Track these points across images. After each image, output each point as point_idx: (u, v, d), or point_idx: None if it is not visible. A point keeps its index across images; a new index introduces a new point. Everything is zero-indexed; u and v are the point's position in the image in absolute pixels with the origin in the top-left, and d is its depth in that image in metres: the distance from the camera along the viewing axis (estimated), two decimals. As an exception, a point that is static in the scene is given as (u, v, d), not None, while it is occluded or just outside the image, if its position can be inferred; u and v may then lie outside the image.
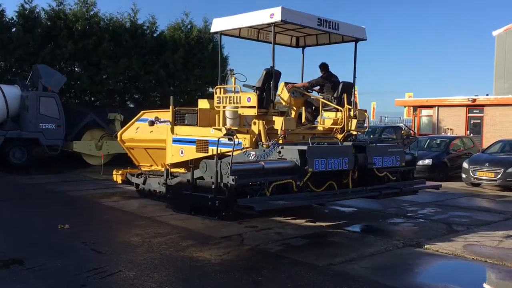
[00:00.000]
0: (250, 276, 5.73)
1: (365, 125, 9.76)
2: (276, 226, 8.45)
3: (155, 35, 22.43)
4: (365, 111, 10.02)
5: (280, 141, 8.37)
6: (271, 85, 8.67)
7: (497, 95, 28.41)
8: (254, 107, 8.43)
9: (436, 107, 28.12)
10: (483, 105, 26.90)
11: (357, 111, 9.59)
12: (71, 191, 11.95)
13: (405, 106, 30.69)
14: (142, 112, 11.78)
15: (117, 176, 11.72)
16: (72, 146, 17.55)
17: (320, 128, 9.89)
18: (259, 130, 8.54)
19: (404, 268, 6.32)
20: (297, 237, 7.76)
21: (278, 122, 8.48)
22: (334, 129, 9.66)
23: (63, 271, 5.81)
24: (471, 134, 26.81)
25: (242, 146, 8.51)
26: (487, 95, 28.78)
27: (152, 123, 10.06)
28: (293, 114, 10.19)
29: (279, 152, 7.86)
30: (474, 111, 27.29)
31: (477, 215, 9.92)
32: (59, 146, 17.08)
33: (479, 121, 27.06)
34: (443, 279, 6.02)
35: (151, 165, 11.51)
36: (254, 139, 8.58)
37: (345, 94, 9.58)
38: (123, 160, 16.19)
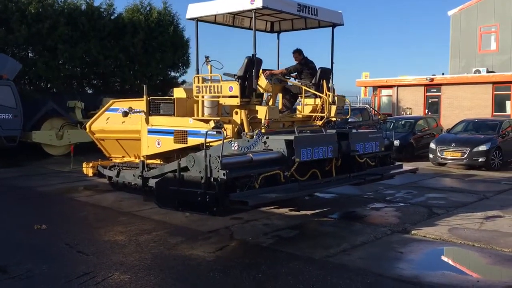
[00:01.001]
0: (250, 274, 5.61)
1: (345, 110, 9.72)
2: (262, 217, 8.35)
3: (113, 17, 21.54)
4: (344, 97, 9.98)
5: (263, 130, 8.21)
6: (253, 74, 8.45)
7: (453, 74, 29.18)
8: (236, 96, 8.20)
9: (396, 87, 28.61)
10: (440, 84, 27.59)
11: (336, 97, 9.54)
12: (38, 187, 11.41)
13: (365, 87, 31.08)
14: (111, 101, 11.33)
15: (87, 169, 11.27)
16: (31, 136, 16.72)
17: (299, 115, 9.79)
18: (241, 120, 8.34)
19: (398, 256, 6.36)
20: (286, 228, 7.69)
21: (262, 111, 8.30)
22: (313, 116, 9.57)
23: (52, 278, 5.50)
24: (429, 113, 27.55)
25: (224, 137, 8.28)
26: (443, 74, 29.54)
27: (126, 114, 9.64)
28: (271, 101, 10.05)
29: (265, 143, 7.70)
30: (432, 90, 27.96)
31: (452, 197, 10.17)
32: (17, 137, 16.21)
33: (436, 100, 27.78)
34: (438, 266, 6.12)
35: (123, 157, 11.11)
36: (236, 129, 8.38)
37: (324, 80, 9.50)
38: (85, 149, 15.70)
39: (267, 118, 8.20)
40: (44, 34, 18.59)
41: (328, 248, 6.57)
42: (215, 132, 7.77)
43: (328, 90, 9.44)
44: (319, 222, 8.23)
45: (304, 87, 9.36)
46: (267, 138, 7.69)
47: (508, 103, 25.99)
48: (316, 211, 8.91)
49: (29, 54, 19.63)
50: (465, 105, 26.59)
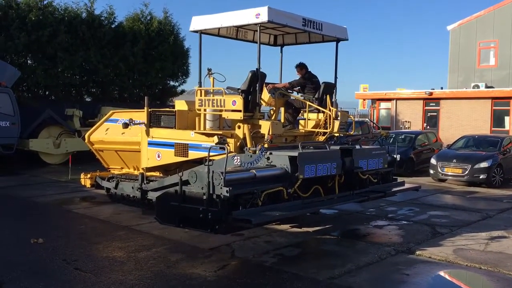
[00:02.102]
0: (254, 295, 5.45)
1: (348, 127, 9.61)
2: (263, 233, 8.20)
3: (113, 26, 21.46)
4: (347, 112, 9.88)
5: (266, 145, 8.08)
6: (257, 88, 8.34)
7: (452, 88, 29.20)
8: (240, 110, 8.08)
9: (394, 100, 28.61)
10: (439, 99, 27.59)
11: (339, 113, 9.44)
12: (35, 197, 11.22)
13: (364, 99, 31.06)
14: (111, 111, 11.19)
15: (85, 180, 11.09)
16: (28, 144, 16.55)
17: (302, 130, 9.67)
18: (244, 134, 8.22)
19: (405, 279, 6.21)
20: (288, 246, 7.54)
21: (265, 126, 8.18)
22: (316, 131, 9.46)
23: (49, 298, 5.32)
24: (428, 127, 27.52)
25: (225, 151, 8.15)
26: (442, 88, 29.56)
27: (126, 125, 9.51)
28: (273, 115, 9.94)
29: (268, 158, 7.56)
30: (431, 104, 27.96)
31: (455, 215, 10.04)
32: (14, 145, 16.03)
33: (435, 114, 27.76)
34: (446, 290, 5.98)
35: (122, 168, 10.96)
36: (238, 143, 8.26)
37: (327, 95, 9.40)
38: (83, 158, 15.54)
39: (270, 133, 8.07)
40: (44, 42, 18.49)
41: (332, 269, 6.42)
42: (217, 148, 7.63)
43: (332, 105, 9.35)
44: (321, 240, 8.07)
45: (307, 102, 9.25)
46: (271, 154, 7.55)
47: (507, 118, 26.00)
48: (318, 228, 8.76)
49: (28, 61, 19.48)
50: (463, 119, 26.59)
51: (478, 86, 27.90)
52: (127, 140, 10.16)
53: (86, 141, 11.20)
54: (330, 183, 8.50)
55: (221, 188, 6.44)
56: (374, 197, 8.81)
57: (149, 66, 21.86)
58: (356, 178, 8.77)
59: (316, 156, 7.72)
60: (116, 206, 10.10)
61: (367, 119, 25.39)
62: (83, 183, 11.13)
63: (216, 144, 7.58)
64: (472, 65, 30.35)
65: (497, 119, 26.11)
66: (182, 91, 24.98)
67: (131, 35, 21.37)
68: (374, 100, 29.59)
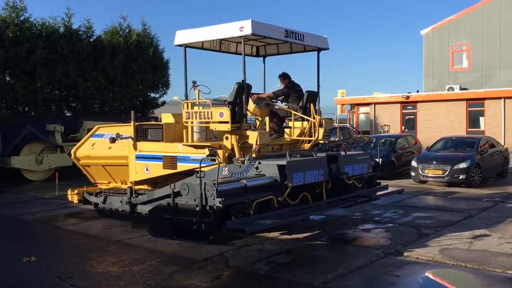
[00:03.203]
0: (251, 303, 5.58)
1: (332, 134, 9.82)
2: (255, 242, 8.33)
3: (91, 40, 21.41)
4: (331, 119, 10.11)
5: (254, 155, 8.23)
6: (243, 99, 8.51)
7: (427, 92, 29.89)
8: (227, 122, 8.23)
9: (373, 105, 29.14)
10: (416, 102, 28.22)
11: (323, 120, 9.66)
12: (21, 215, 11.15)
13: (343, 104, 31.52)
14: (96, 127, 11.21)
15: (72, 196, 11.05)
16: (9, 162, 16.37)
17: (287, 138, 9.86)
18: (232, 145, 8.36)
19: (395, 280, 6.42)
20: (280, 254, 7.69)
21: (253, 137, 8.34)
22: (301, 139, 9.66)
23: (49, 315, 5.36)
24: (406, 130, 28.09)
25: (214, 162, 8.28)
26: (418, 91, 30.23)
27: (113, 140, 9.57)
28: (258, 125, 10.11)
29: (257, 168, 7.72)
30: (408, 107, 28.58)
31: (439, 216, 10.34)
32: (-5, 162, 15.89)
33: (412, 116, 28.37)
34: (435, 289, 6.20)
35: (109, 182, 10.97)
36: (227, 154, 8.39)
37: (311, 104, 9.62)
38: (66, 174, 15.44)
39: (258, 143, 8.24)
40: (22, 58, 18.33)
41: (325, 273, 6.59)
42: (208, 159, 7.76)
43: (316, 113, 9.57)
44: (312, 245, 8.25)
45: (292, 111, 9.45)
46: (259, 163, 7.71)
47: (481, 119, 26.73)
48: (308, 234, 8.93)
49: (7, 78, 19.28)
50: (440, 121, 27.25)
51: (452, 88, 28.64)
52: (114, 154, 10.20)
53: (72, 157, 11.18)
54: (318, 190, 8.70)
55: (213, 199, 6.57)
56: (360, 202, 9.04)
57: (129, 79, 21.84)
58: (342, 184, 9.00)
59: (303, 164, 7.91)
60: (105, 221, 10.11)
61: (347, 124, 25.78)
62: (70, 199, 11.09)
63: (207, 156, 7.69)
64: (446, 68, 31.14)
65: (473, 120, 26.85)
66: (163, 103, 25.01)
67: (110, 48, 21.35)
68: (353, 105, 30.09)
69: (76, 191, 11.01)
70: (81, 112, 21.35)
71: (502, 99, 25.55)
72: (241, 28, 8.22)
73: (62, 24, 20.51)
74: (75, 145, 11.57)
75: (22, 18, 19.25)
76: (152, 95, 24.12)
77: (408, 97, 28.01)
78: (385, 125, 28.46)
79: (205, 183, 6.64)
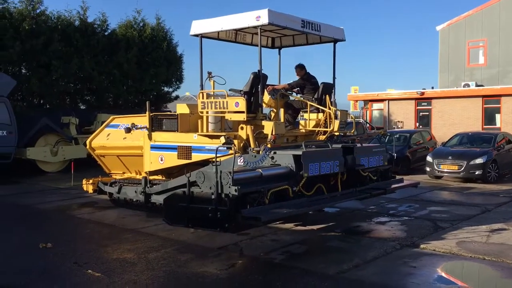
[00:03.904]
0: (267, 291, 5.56)
1: (349, 126, 9.75)
2: (269, 232, 8.31)
3: (106, 33, 21.52)
4: (347, 111, 10.04)
5: (269, 146, 8.20)
6: (259, 89, 8.47)
7: (442, 88, 29.54)
8: (243, 112, 8.20)
9: (387, 101, 28.88)
10: (431, 98, 27.90)
11: (339, 112, 9.59)
12: (37, 204, 11.23)
13: (357, 101, 31.29)
14: (111, 117, 11.25)
15: (87, 186, 11.12)
16: (25, 153, 16.51)
17: (302, 130, 9.81)
18: (247, 135, 8.34)
19: (412, 271, 6.35)
20: (294, 244, 7.65)
21: (268, 127, 8.30)
22: (316, 131, 9.61)
23: (66, 299, 5.39)
24: (420, 126, 27.80)
25: (229, 152, 8.27)
26: (432, 88, 29.88)
27: (128, 130, 9.60)
28: (273, 116, 10.07)
29: (272, 158, 7.69)
30: (423, 104, 28.26)
31: (455, 210, 10.22)
32: (11, 154, 16.00)
33: (427, 113, 28.06)
34: (454, 280, 6.11)
35: (124, 173, 11.02)
36: (242, 144, 8.37)
37: (327, 95, 9.55)
38: (80, 165, 15.52)
39: (273, 133, 8.20)
40: (38, 50, 18.49)
41: (340, 264, 6.54)
42: (224, 148, 7.75)
43: (331, 105, 9.50)
44: (326, 237, 8.20)
45: (308, 102, 9.39)
46: (275, 153, 7.68)
47: (498, 116, 26.35)
48: (322, 225, 8.89)
49: (23, 70, 19.46)
50: (455, 118, 26.90)
51: (468, 85, 28.26)
52: (129, 144, 10.24)
53: (88, 147, 11.25)
54: (333, 181, 8.65)
55: (229, 187, 6.55)
56: (376, 194, 8.97)
57: (143, 73, 21.93)
58: (357, 176, 8.93)
59: (319, 155, 7.87)
60: (120, 211, 10.16)
61: (362, 119, 25.61)
62: (85, 189, 11.16)
63: (223, 144, 7.68)
64: (462, 65, 30.76)
65: (489, 117, 26.45)
66: (177, 97, 25.07)
67: (124, 42, 21.45)
68: (367, 101, 29.85)
69: (91, 181, 11.07)
70: (95, 105, 21.49)
71: (519, 96, 25.16)
72: (257, 17, 8.18)
73: (77, 18, 20.66)
74: (89, 137, 11.62)
75: (38, 11, 19.43)
76: (166, 89, 24.21)
77: (423, 93, 27.70)
78: (399, 121, 28.18)
79: (221, 171, 6.63)
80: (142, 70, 21.91)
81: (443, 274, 6.38)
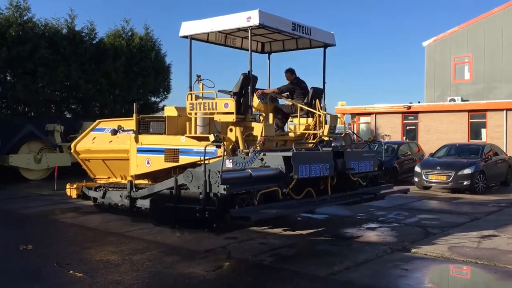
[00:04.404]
0: (256, 291, 5.37)
1: (337, 131, 9.68)
2: (257, 236, 8.13)
3: (94, 42, 21.36)
4: (337, 116, 9.97)
5: (258, 148, 8.07)
6: (249, 91, 8.36)
7: (429, 103, 29.76)
8: (232, 113, 8.07)
9: (374, 115, 29.01)
10: (418, 112, 28.08)
11: (329, 116, 9.50)
12: (20, 209, 10.92)
13: (344, 114, 31.36)
14: (97, 121, 11.08)
15: (71, 190, 10.86)
16: (8, 160, 16.16)
17: (291, 134, 9.71)
18: (236, 137, 8.19)
19: (404, 273, 6.21)
20: (284, 247, 7.48)
21: (258, 129, 8.18)
22: (306, 135, 9.51)
23: (46, 298, 5.15)
24: (407, 140, 27.90)
25: (218, 154, 8.12)
26: (419, 102, 30.10)
27: (115, 132, 9.41)
28: (262, 120, 9.95)
29: (262, 159, 7.55)
30: (409, 117, 28.42)
31: (444, 217, 10.13)
32: (-7, 160, 15.68)
33: (414, 127, 28.21)
34: (447, 283, 5.99)
35: (109, 178, 10.79)
36: (231, 146, 8.22)
37: (317, 100, 9.47)
38: (64, 173, 15.22)
39: (263, 135, 8.07)
40: (25, 57, 18.23)
41: (331, 266, 6.38)
42: (212, 150, 7.60)
43: (321, 109, 9.42)
44: (316, 241, 8.05)
45: (298, 104, 9.29)
46: (264, 155, 7.56)
47: (483, 131, 26.57)
48: (311, 230, 8.73)
49: (8, 77, 19.16)
50: (442, 132, 27.06)
51: (454, 100, 28.51)
52: (115, 148, 10.03)
53: (72, 150, 11.03)
54: (322, 186, 8.53)
55: (218, 186, 6.40)
56: (367, 199, 8.85)
57: (131, 82, 21.73)
58: (347, 181, 8.82)
59: (309, 157, 7.75)
60: (104, 215, 9.90)
61: (349, 130, 25.63)
62: (68, 194, 10.89)
63: (212, 142, 7.52)
64: (448, 80, 31.07)
65: (474, 132, 26.67)
66: (164, 107, 24.86)
67: (112, 51, 21.28)
68: (354, 115, 29.94)
69: (75, 186, 10.82)
70: (81, 114, 21.20)
71: (504, 111, 25.39)
72: (248, 18, 8.11)
73: (65, 25, 20.48)
74: (75, 145, 11.37)
75: (25, 18, 19.21)
76: (153, 99, 24.04)
77: (409, 107, 27.88)
78: (386, 135, 28.27)
79: (209, 170, 6.48)
80: (130, 79, 21.73)
81: (436, 277, 6.25)
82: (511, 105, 25.44)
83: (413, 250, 7.31)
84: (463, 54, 30.39)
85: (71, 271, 6.08)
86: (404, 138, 27.96)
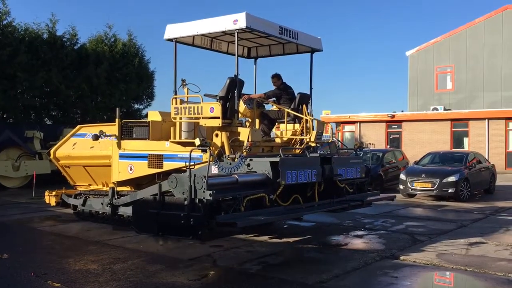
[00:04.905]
0: (243, 300, 5.16)
1: (324, 137, 9.55)
2: (243, 244, 7.92)
3: (76, 47, 21.05)
4: (323, 122, 9.84)
5: (245, 153, 7.88)
6: (235, 95, 8.18)
7: (412, 112, 29.97)
8: (218, 117, 7.88)
9: (358, 123, 29.10)
10: (401, 121, 28.25)
11: (316, 122, 9.37)
12: (-5, 217, 10.54)
13: (328, 123, 31.39)
14: (78, 126, 10.78)
15: (50, 198, 10.52)
16: (-16, 167, 15.71)
17: (278, 140, 9.55)
18: (222, 142, 7.99)
19: (394, 281, 6.06)
20: (271, 255, 7.28)
21: (244, 134, 8.00)
22: (293, 141, 9.35)
23: (20, 310, 4.87)
24: (391, 148, 28.01)
25: (203, 160, 7.91)
26: (402, 111, 30.31)
27: (96, 137, 9.14)
28: (248, 126, 9.77)
29: (248, 165, 7.36)
30: (393, 126, 28.59)
31: (431, 225, 10.05)
32: (-30, 167, 15.21)
33: (397, 136, 28.36)
34: (437, 290, 5.86)
35: (90, 185, 10.47)
36: (216, 152, 8.01)
37: (303, 105, 9.34)
38: (44, 181, 14.83)
39: (250, 140, 7.89)
40: (3, 62, 17.84)
41: (320, 274, 6.20)
42: (197, 155, 7.38)
43: (308, 115, 9.28)
44: (303, 248, 7.87)
45: (286, 110, 9.14)
46: (251, 160, 7.36)
47: (466, 139, 26.82)
48: (298, 238, 8.55)
49: (-15, 82, 18.72)
50: (425, 141, 27.26)
51: (437, 109, 28.78)
52: (96, 154, 9.74)
53: (52, 156, 10.68)
54: (309, 193, 8.37)
55: (203, 191, 6.19)
56: (354, 205, 8.72)
57: (113, 88, 21.45)
58: (334, 187, 8.67)
59: (297, 163, 7.59)
60: (85, 224, 9.60)
61: (334, 138, 25.60)
62: (47, 201, 10.55)
63: (198, 146, 7.30)
64: (431, 89, 31.37)
65: (457, 140, 26.92)
66: (147, 115, 24.56)
67: (94, 56, 21.00)
68: (338, 123, 29.99)
69: (54, 193, 10.49)
70: (62, 120, 20.82)
71: (486, 120, 25.71)
72: (235, 21, 7.95)
73: (46, 30, 20.19)
74: (55, 151, 11.05)
75: (5, 22, 18.89)
76: (136, 106, 23.75)
77: (393, 116, 28.05)
78: (370, 143, 28.33)
79: (195, 175, 6.27)
80: (112, 85, 21.45)
81: (427, 284, 6.12)
82: (492, 114, 25.79)
83: (401, 258, 7.18)
84: (446, 64, 30.74)
85: (48, 281, 5.80)
86: (388, 146, 28.08)
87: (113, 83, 21.43)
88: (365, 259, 7.03)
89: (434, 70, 31.13)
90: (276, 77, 9.58)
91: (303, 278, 6.00)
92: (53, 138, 17.98)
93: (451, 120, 26.88)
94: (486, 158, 24.00)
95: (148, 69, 23.43)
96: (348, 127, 29.76)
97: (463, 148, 26.20)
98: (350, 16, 68.13)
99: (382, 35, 65.08)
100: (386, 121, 28.42)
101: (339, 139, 28.96)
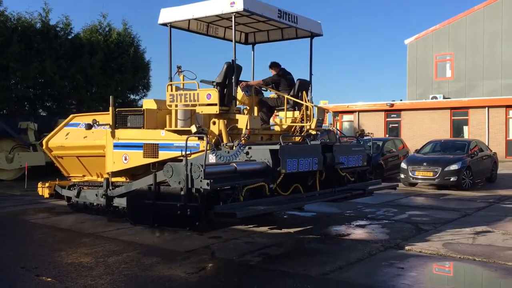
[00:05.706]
0: (243, 294, 4.91)
1: (320, 136, 9.25)
2: (242, 235, 7.65)
3: (70, 37, 20.62)
4: (324, 109, 9.55)
5: (243, 141, 7.59)
6: (233, 81, 7.88)
7: (411, 100, 29.69)
8: (215, 104, 7.59)
9: (357, 113, 28.82)
10: (400, 110, 27.98)
11: (316, 109, 9.09)
12: (-14, 210, 10.26)
13: (326, 112, 31.11)
14: (71, 116, 10.47)
15: (43, 190, 10.25)
16: (-23, 159, 15.39)
17: (277, 128, 9.26)
18: (220, 130, 7.71)
19: (400, 272, 5.80)
20: (271, 246, 7.02)
21: (243, 121, 7.71)
22: (293, 129, 9.08)
23: (8, 306, 4.60)
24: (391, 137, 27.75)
25: (200, 149, 7.63)
26: (401, 100, 30.03)
27: (89, 127, 8.83)
28: (245, 113, 9.48)
29: (247, 153, 7.08)
30: (392, 115, 28.32)
31: (434, 214, 9.80)
32: (-38, 159, 14.89)
33: (397, 125, 28.10)
34: (446, 281, 5.61)
35: (84, 176, 10.18)
36: (214, 140, 7.72)
37: (303, 92, 9.05)
38: (38, 173, 14.52)
39: (248, 128, 7.61)
40: (-5, 52, 17.45)
41: (322, 265, 5.95)
42: (194, 144, 7.10)
43: (308, 102, 9.00)
44: (305, 239, 7.61)
45: (285, 96, 8.85)
46: (250, 148, 7.08)
47: (465, 128, 26.58)
48: (299, 228, 8.29)
49: (-24, 73, 18.34)
50: (424, 130, 27.00)
51: (436, 98, 28.52)
52: (90, 144, 9.45)
53: (44, 147, 10.38)
54: (310, 182, 8.10)
55: (200, 181, 5.92)
56: (356, 194, 8.47)
57: (109, 78, 21.05)
58: (336, 176, 8.42)
59: (297, 151, 7.32)
60: (78, 216, 9.33)
61: (333, 127, 25.36)
62: (40, 193, 10.27)
63: (194, 133, 7.01)
64: (430, 78, 31.06)
65: (457, 129, 26.67)
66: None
67: (88, 46, 20.58)
68: (337, 113, 29.71)
69: (47, 184, 10.24)
70: (56, 111, 20.42)
71: (486, 108, 25.45)
72: (232, 3, 7.64)
73: (39, 20, 19.71)
74: (48, 142, 10.74)
75: (-4, 11, 18.41)
76: (132, 96, 23.37)
77: (392, 105, 27.77)
78: (369, 133, 28.11)
79: (191, 164, 5.99)
80: (107, 76, 21.05)
81: (435, 275, 5.87)
82: (492, 102, 25.53)
83: (406, 248, 6.93)
84: (445, 52, 30.42)
85: (39, 275, 5.53)
86: (387, 135, 27.82)
87: (108, 73, 21.04)
88: (369, 249, 6.78)
89: (433, 58, 30.81)
90: (274, 66, 9.28)
91: (305, 270, 5.75)
92: (48, 129, 17.53)
93: (451, 108, 26.62)
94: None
95: (144, 59, 23.03)
96: (346, 117, 29.49)
97: (463, 136, 25.96)
98: (348, 4, 67.63)
99: (380, 23, 64.69)
100: (385, 110, 28.15)
101: (338, 128, 28.71)
